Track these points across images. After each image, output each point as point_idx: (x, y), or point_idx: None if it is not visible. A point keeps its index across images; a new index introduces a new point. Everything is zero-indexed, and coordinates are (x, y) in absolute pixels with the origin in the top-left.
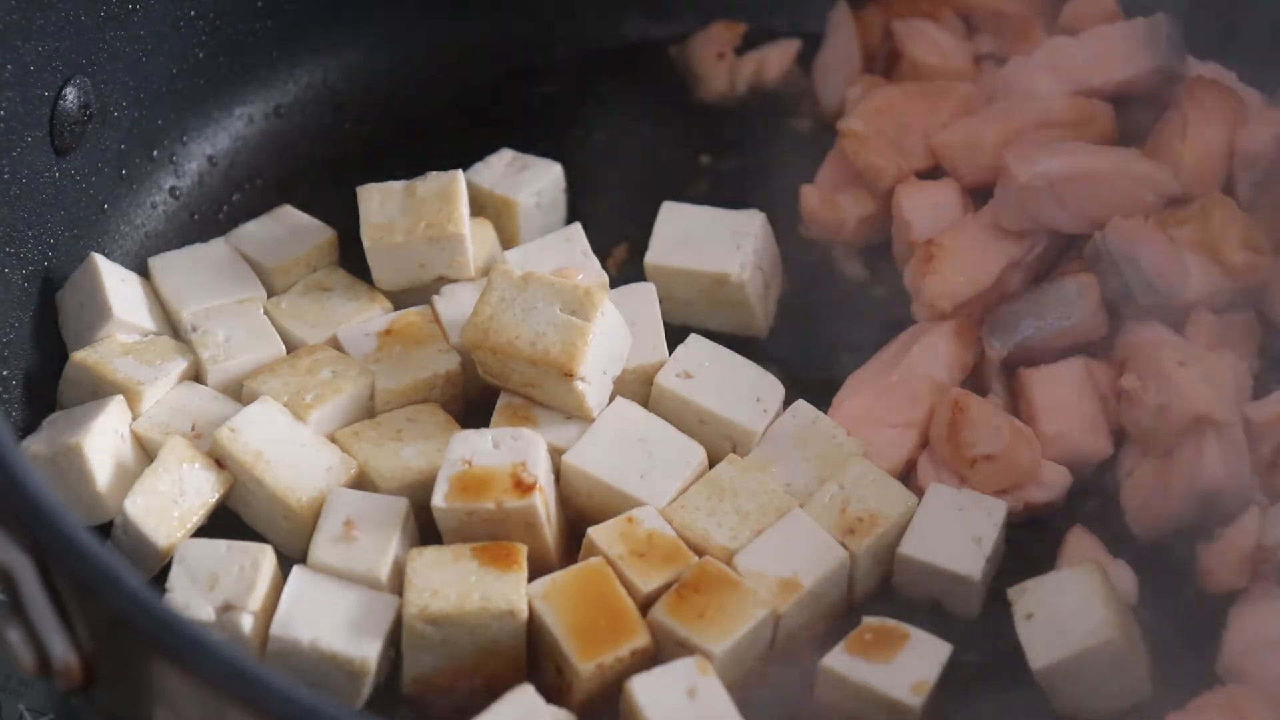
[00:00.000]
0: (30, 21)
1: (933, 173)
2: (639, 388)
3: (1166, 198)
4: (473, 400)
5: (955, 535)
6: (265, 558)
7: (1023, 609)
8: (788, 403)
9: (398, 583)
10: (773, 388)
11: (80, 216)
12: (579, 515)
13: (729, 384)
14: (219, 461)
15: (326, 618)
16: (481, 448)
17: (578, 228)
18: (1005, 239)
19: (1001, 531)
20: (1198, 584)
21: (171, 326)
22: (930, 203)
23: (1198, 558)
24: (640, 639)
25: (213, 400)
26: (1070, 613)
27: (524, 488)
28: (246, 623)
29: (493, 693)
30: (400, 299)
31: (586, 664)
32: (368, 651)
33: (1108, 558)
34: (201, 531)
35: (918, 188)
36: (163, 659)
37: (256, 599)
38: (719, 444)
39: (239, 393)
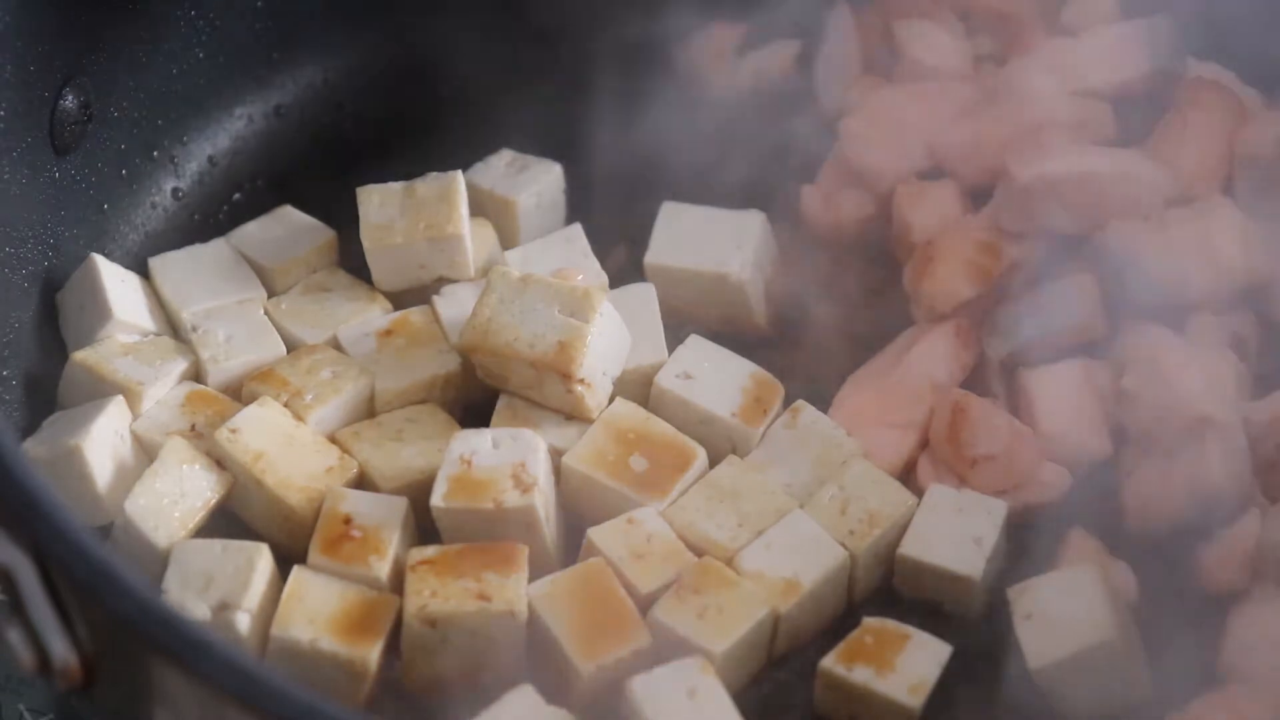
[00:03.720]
0: (30, 21)
1: (933, 173)
2: (639, 388)
3: (1166, 198)
4: (473, 400)
5: (955, 535)
6: (260, 556)
7: (1022, 609)
8: (787, 403)
9: (398, 583)
10: (773, 388)
11: (80, 216)
12: (579, 516)
13: (729, 385)
14: (219, 462)
15: (326, 618)
16: (481, 448)
17: (578, 228)
18: (1005, 240)
19: (1002, 532)
20: (1198, 584)
21: (171, 326)
22: (930, 203)
23: (1198, 558)
24: (640, 639)
25: (213, 400)
26: (1069, 613)
27: (524, 488)
28: (243, 621)
29: (493, 693)
30: (400, 299)
31: (587, 664)
32: (368, 651)
33: (1108, 558)
34: (202, 532)
35: (918, 188)
36: (163, 659)
37: (252, 598)
38: (719, 445)
39: (239, 393)
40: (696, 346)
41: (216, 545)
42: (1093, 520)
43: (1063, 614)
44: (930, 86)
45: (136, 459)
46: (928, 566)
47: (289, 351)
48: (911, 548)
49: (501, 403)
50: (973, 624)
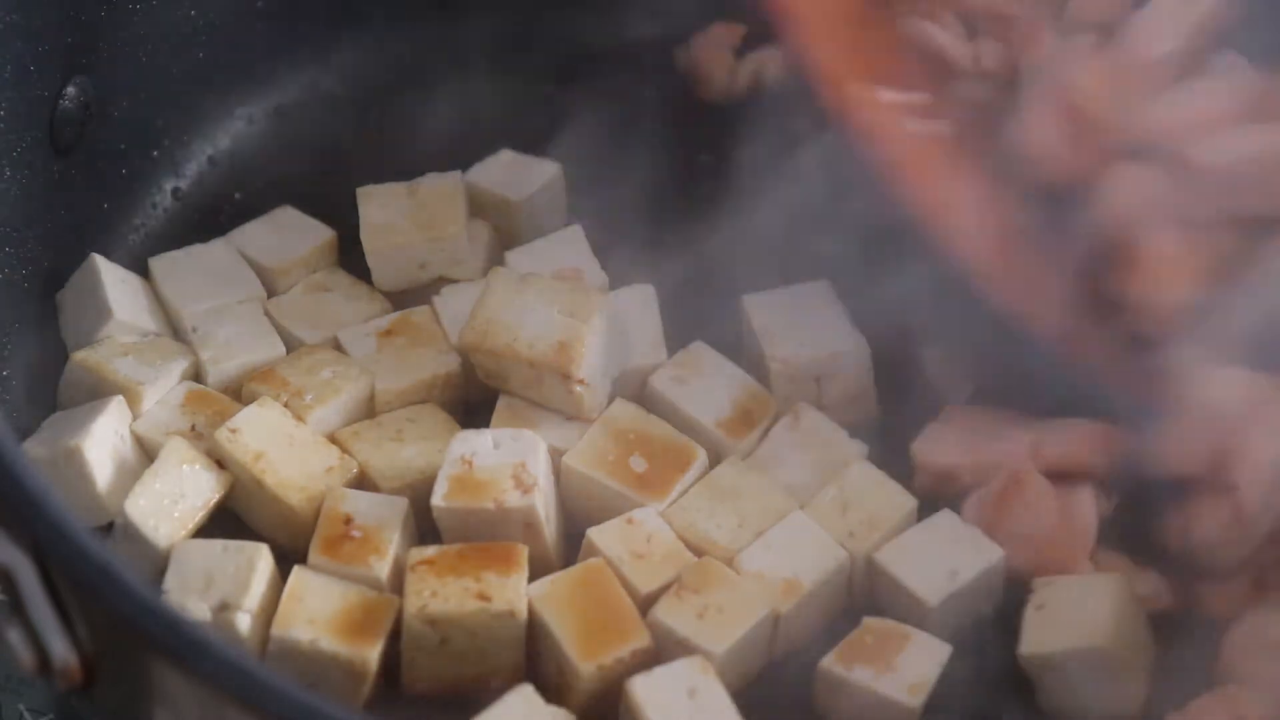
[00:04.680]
0: (30, 21)
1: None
2: (638, 389)
3: None
4: (473, 400)
5: (934, 560)
6: (260, 557)
7: (1037, 600)
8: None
9: (398, 583)
10: (764, 403)
11: (80, 216)
12: (579, 516)
13: (719, 394)
14: (219, 462)
15: (326, 618)
16: (481, 448)
17: (578, 228)
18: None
19: (991, 577)
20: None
21: (171, 327)
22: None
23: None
24: (641, 639)
25: (213, 400)
26: (1077, 612)
27: (524, 488)
28: (243, 622)
29: (493, 693)
30: (400, 299)
31: (587, 665)
32: (368, 651)
33: (1134, 567)
34: (202, 532)
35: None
36: (163, 659)
37: (252, 598)
38: (707, 451)
39: (239, 393)
40: (697, 352)
41: (217, 545)
42: (1114, 527)
43: (1071, 612)
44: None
45: (136, 459)
46: (893, 580)
47: (289, 351)
48: (886, 555)
49: (501, 403)
50: (973, 624)
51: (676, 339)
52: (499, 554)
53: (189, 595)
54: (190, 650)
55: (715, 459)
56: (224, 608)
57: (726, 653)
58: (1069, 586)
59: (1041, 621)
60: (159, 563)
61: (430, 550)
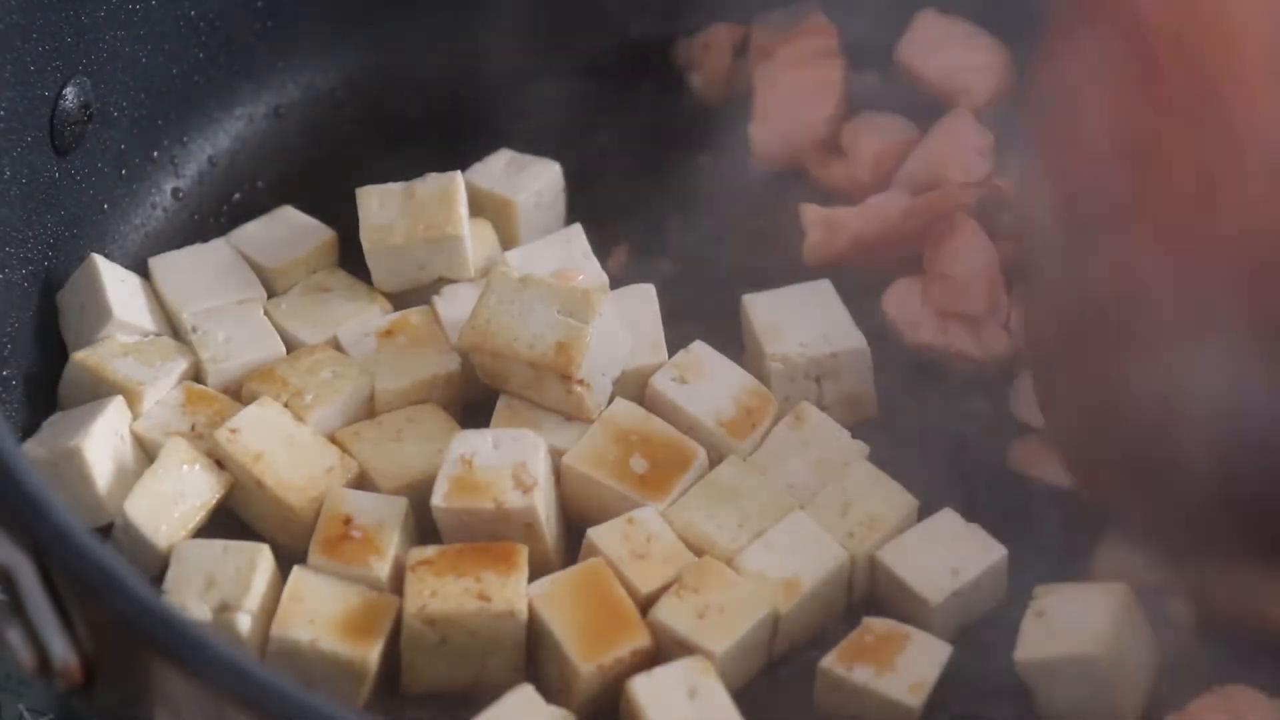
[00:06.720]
0: (30, 21)
1: None
2: (638, 389)
3: None
4: (473, 400)
5: (937, 559)
6: (261, 557)
7: (1038, 606)
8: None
9: (398, 583)
10: (765, 402)
11: (80, 216)
12: (579, 516)
13: (720, 394)
14: (219, 462)
15: (326, 618)
16: (481, 448)
17: (578, 228)
18: None
19: (993, 576)
20: None
21: (171, 327)
22: None
23: None
24: (641, 639)
25: (213, 400)
26: (1076, 620)
27: (524, 488)
28: (244, 623)
29: (493, 693)
30: (400, 299)
31: (587, 665)
32: (368, 651)
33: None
34: (202, 532)
35: None
36: (163, 659)
37: (253, 599)
38: (708, 451)
39: (239, 393)
40: (698, 352)
41: (218, 545)
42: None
43: (1070, 620)
44: None
45: (136, 459)
46: (895, 578)
47: (289, 351)
48: (888, 554)
49: (501, 403)
50: (973, 625)
51: (676, 339)
52: (499, 554)
53: (189, 595)
54: (190, 650)
55: (717, 459)
56: (224, 608)
57: (726, 653)
58: (1070, 594)
59: (1040, 628)
60: (159, 563)
61: (430, 550)
